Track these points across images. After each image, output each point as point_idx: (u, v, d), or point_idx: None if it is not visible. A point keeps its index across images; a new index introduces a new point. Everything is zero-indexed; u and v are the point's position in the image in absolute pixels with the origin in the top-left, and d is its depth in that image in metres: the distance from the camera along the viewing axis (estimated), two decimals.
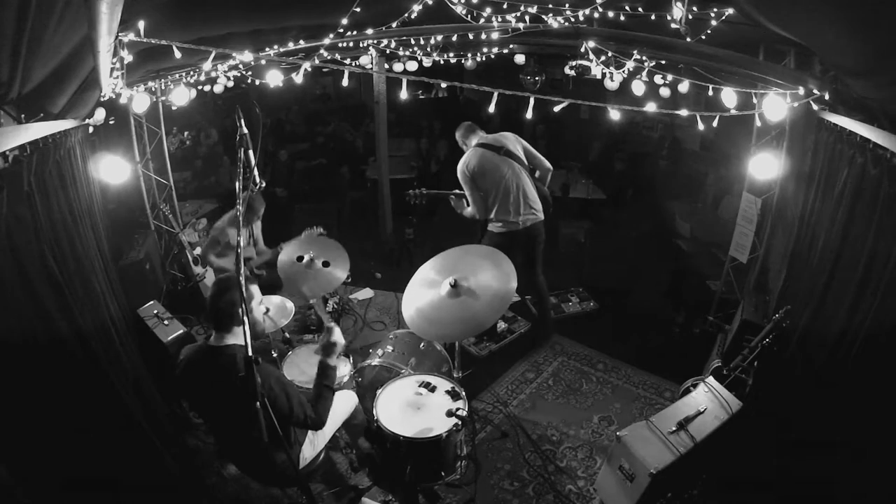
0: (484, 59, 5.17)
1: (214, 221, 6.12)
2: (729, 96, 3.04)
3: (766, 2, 2.46)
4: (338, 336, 2.41)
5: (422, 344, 3.37)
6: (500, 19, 3.53)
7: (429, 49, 4.31)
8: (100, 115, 3.46)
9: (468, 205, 3.97)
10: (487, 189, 3.81)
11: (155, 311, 3.64)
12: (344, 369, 3.16)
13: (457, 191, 4.02)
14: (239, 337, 2.14)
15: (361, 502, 2.85)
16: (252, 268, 4.20)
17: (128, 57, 2.82)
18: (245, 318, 1.54)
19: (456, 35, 3.76)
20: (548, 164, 4.05)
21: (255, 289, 2.29)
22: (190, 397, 2.49)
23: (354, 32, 3.61)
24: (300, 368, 3.20)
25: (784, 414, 2.85)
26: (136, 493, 2.64)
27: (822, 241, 2.88)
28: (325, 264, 3.41)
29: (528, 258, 4.08)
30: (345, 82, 3.12)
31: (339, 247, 3.54)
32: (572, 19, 3.34)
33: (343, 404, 2.72)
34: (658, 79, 3.38)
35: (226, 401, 2.06)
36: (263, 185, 1.92)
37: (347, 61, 4.58)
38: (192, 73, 4.10)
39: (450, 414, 2.52)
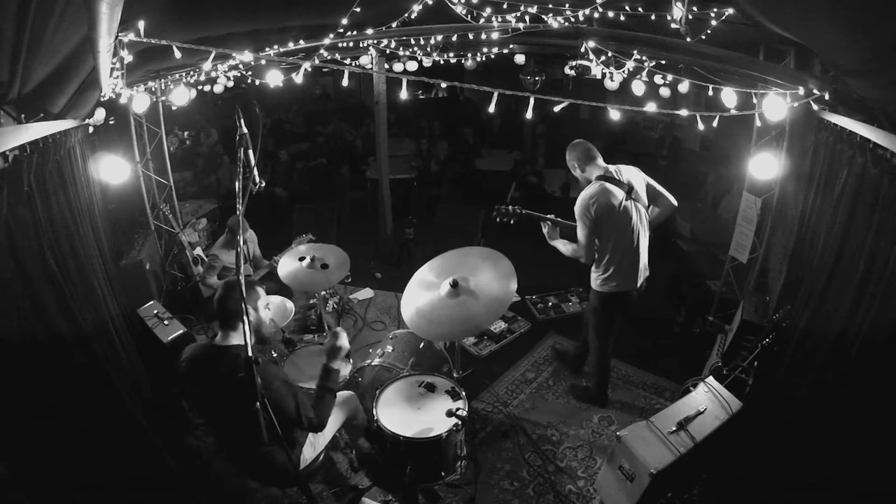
0: (484, 59, 5.17)
1: (214, 221, 6.16)
2: (729, 96, 3.04)
3: (766, 2, 2.45)
4: (343, 341, 2.39)
5: (422, 344, 3.37)
6: (500, 19, 3.52)
7: (429, 49, 4.31)
8: (100, 115, 3.46)
9: (563, 233, 3.40)
10: (608, 237, 3.15)
11: (155, 311, 3.65)
12: (344, 370, 3.17)
13: (552, 216, 3.44)
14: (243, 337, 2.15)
15: (361, 502, 2.85)
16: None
17: (128, 57, 2.81)
18: (246, 319, 1.54)
19: (456, 35, 3.75)
20: (673, 202, 3.31)
21: (260, 291, 2.28)
22: (191, 395, 2.50)
23: (354, 32, 3.61)
24: (300, 368, 3.20)
25: (784, 414, 2.85)
26: (136, 492, 2.64)
27: (822, 241, 2.88)
28: (324, 266, 3.51)
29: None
30: (345, 82, 3.12)
31: (337, 249, 3.68)
32: (572, 19, 3.33)
33: (343, 404, 2.72)
34: (658, 79, 3.38)
35: (227, 400, 2.06)
36: (263, 184, 1.92)
37: (347, 61, 4.57)
38: (192, 73, 4.10)
39: (450, 414, 2.52)
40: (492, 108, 2.82)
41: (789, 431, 2.78)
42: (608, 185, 3.12)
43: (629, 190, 3.16)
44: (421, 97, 11.24)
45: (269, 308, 2.41)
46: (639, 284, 3.30)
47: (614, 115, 2.83)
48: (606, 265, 3.22)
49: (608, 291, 3.27)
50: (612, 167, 3.25)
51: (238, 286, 2.09)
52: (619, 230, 3.14)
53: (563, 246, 3.34)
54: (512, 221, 3.48)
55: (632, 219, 3.16)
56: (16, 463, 1.99)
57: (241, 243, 1.62)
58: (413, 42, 4.00)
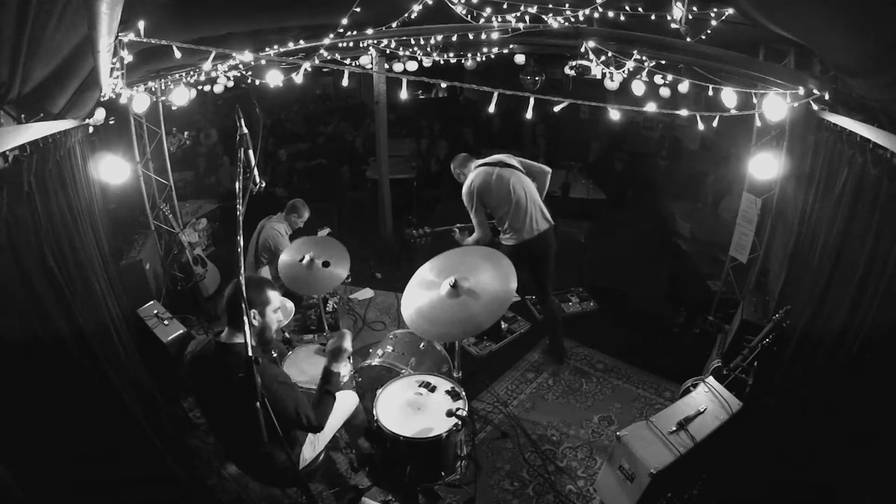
0: (484, 59, 5.16)
1: (214, 221, 6.15)
2: (729, 96, 3.04)
3: (766, 2, 2.45)
4: (348, 343, 2.41)
5: (422, 344, 3.37)
6: (500, 19, 3.52)
7: (429, 49, 4.31)
8: (100, 115, 3.46)
9: (470, 234, 3.91)
10: (495, 205, 3.74)
11: (155, 311, 3.64)
12: (344, 370, 3.17)
13: (458, 225, 4.06)
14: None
15: (361, 502, 2.85)
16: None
17: (128, 57, 2.81)
18: (246, 319, 1.54)
19: (456, 35, 3.75)
20: (546, 168, 3.97)
21: (274, 295, 2.25)
22: (194, 392, 2.50)
23: (354, 32, 3.61)
24: (300, 368, 3.20)
25: (784, 414, 2.84)
26: (136, 493, 2.64)
27: (822, 241, 2.88)
28: (325, 264, 3.50)
29: (539, 276, 3.95)
30: (345, 82, 3.12)
31: (341, 247, 3.65)
32: (572, 19, 3.33)
33: (343, 404, 2.72)
34: (658, 79, 3.37)
35: (228, 399, 2.06)
36: (263, 184, 1.92)
37: (347, 61, 4.57)
38: (192, 73, 4.09)
39: (450, 414, 2.52)
40: (492, 108, 2.82)
41: (789, 431, 2.78)
42: (480, 167, 3.80)
43: (497, 162, 3.78)
44: (421, 97, 11.24)
45: (280, 313, 2.39)
46: (536, 233, 3.77)
47: (614, 115, 2.83)
48: (503, 227, 3.81)
49: (510, 244, 3.80)
50: (482, 159, 3.89)
51: (251, 285, 2.12)
52: (500, 197, 3.71)
53: (470, 239, 3.88)
54: (425, 241, 4.16)
55: (508, 182, 3.71)
56: (16, 463, 1.99)
57: (239, 242, 1.61)
58: (413, 42, 4.00)
